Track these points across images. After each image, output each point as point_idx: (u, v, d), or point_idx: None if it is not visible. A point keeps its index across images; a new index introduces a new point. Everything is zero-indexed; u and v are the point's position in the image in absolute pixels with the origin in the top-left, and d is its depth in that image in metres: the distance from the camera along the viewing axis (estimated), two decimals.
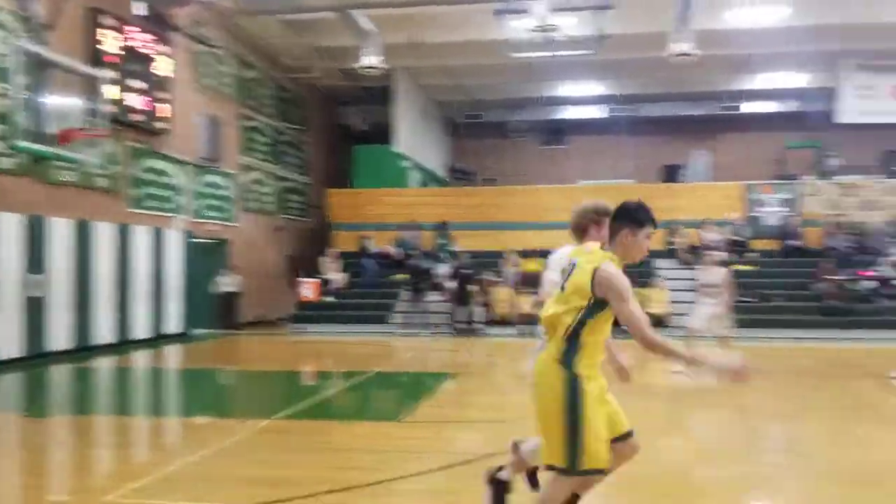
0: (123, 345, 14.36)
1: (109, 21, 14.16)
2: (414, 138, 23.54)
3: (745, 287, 17.90)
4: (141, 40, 15.09)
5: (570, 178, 24.44)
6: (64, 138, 12.26)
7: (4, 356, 11.70)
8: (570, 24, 17.27)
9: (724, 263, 12.58)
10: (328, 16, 18.03)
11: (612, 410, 3.65)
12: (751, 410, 8.55)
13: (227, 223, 19.02)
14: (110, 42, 14.16)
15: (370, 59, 17.96)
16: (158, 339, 15.48)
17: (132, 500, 4.98)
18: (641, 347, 3.37)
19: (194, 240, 17.19)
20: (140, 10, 15.00)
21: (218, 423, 8.06)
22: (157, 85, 15.60)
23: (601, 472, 3.51)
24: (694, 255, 18.48)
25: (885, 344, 15.19)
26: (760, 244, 19.97)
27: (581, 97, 25.02)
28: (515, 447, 4.46)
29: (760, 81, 22.98)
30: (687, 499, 5.24)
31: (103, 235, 14.08)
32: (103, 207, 14.27)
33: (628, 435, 3.72)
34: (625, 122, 25.31)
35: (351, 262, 20.40)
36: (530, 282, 18.82)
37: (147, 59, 15.30)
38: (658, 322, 15.10)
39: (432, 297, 18.66)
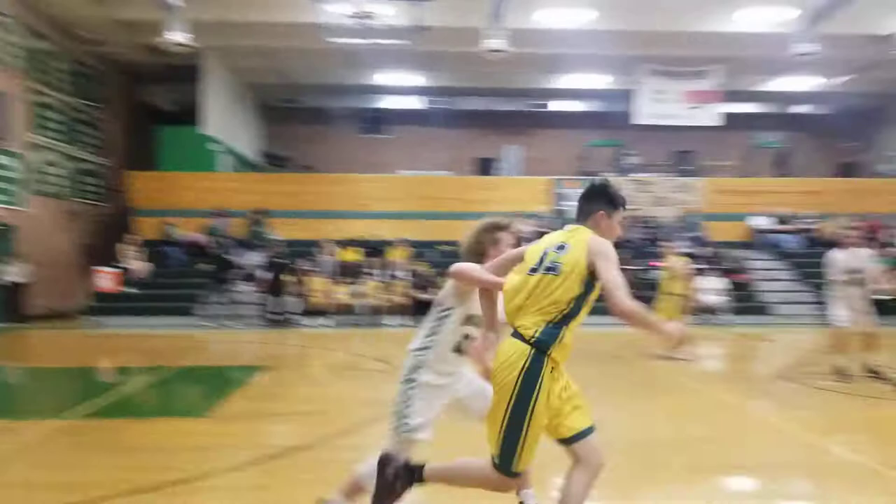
0: None
1: None
2: (225, 121, 22.55)
3: None
4: None
5: (389, 167, 24.50)
6: None
7: None
8: (387, 13, 17.23)
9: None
10: None
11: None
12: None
13: (14, 207, 17.23)
14: None
15: (176, 36, 16.93)
16: None
17: None
18: (616, 313, 3.28)
19: None
20: None
21: (1, 424, 7.22)
22: None
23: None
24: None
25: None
26: None
27: (400, 87, 25.11)
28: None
29: (567, 81, 24.17)
30: None
31: None
32: None
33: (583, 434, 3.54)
34: (442, 114, 25.74)
35: (154, 250, 19.21)
36: (348, 271, 18.68)
37: None
38: None
39: (244, 287, 17.98)
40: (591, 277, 3.38)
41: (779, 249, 20.44)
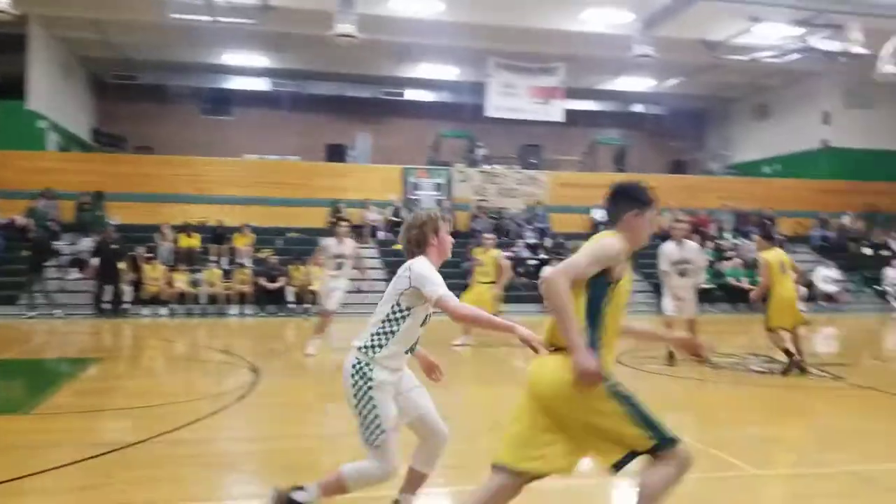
0: None
1: None
2: (53, 96, 20.87)
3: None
4: None
5: (234, 150, 23.57)
6: None
7: None
8: None
9: (359, 235, 12.44)
10: None
11: None
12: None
13: None
14: None
15: None
16: None
17: None
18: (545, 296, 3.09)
19: None
20: None
21: None
22: None
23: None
24: (357, 234, 18.98)
25: (518, 316, 17.00)
26: None
27: (248, 68, 24.26)
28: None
29: (421, 71, 24.26)
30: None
31: None
32: None
33: None
34: (291, 97, 25.11)
35: None
36: (187, 258, 17.84)
37: None
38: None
39: (72, 274, 16.75)
40: (598, 278, 3.16)
41: None
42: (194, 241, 18.51)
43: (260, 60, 23.60)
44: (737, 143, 27.86)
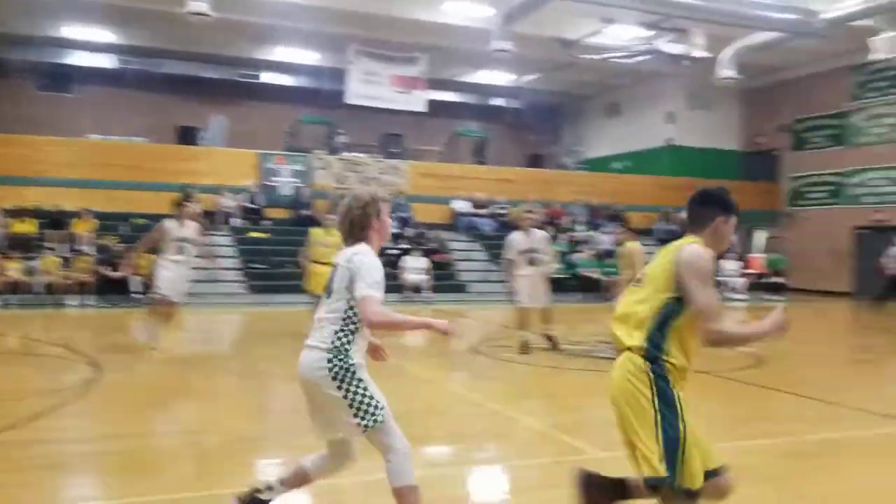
0: None
1: None
2: None
3: (258, 254, 18.32)
4: None
5: (76, 130, 21.97)
6: None
7: None
8: None
9: (211, 221, 11.61)
10: None
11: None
12: (265, 374, 8.64)
13: None
14: None
15: None
16: None
17: None
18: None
19: None
20: None
21: None
22: None
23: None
24: (210, 220, 18.23)
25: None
26: (274, 212, 20.60)
27: (88, 42, 22.65)
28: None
29: (280, 54, 23.57)
30: (203, 462, 4.94)
31: None
32: None
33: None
34: (139, 76, 23.69)
35: None
36: (21, 245, 16.51)
37: None
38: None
39: None
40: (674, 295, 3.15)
41: (476, 232, 21.82)
42: (29, 227, 17.15)
43: (104, 35, 22.10)
44: (590, 140, 29.00)
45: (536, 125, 29.37)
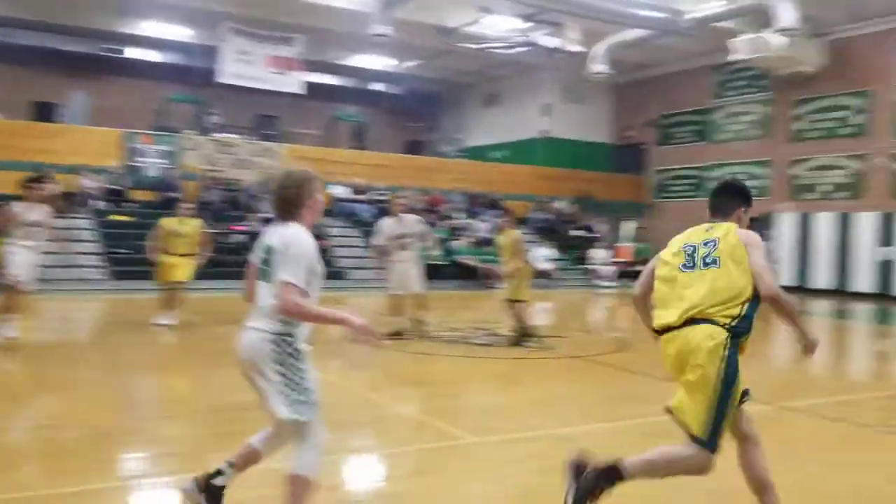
0: None
1: None
2: None
3: (121, 238, 17.38)
4: None
5: None
6: None
7: None
8: None
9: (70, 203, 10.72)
10: None
11: None
12: (127, 364, 8.21)
13: None
14: None
15: None
16: None
17: None
18: (766, 298, 3.43)
19: None
20: None
21: None
22: None
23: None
24: (69, 203, 17.13)
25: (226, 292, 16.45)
26: (139, 194, 19.62)
27: None
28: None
29: (146, 28, 22.41)
30: (56, 457, 4.59)
31: None
32: None
33: None
34: None
35: None
36: None
37: None
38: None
39: None
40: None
41: (354, 218, 21.58)
42: None
43: None
44: (469, 128, 29.30)
45: (416, 112, 29.38)
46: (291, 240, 3.32)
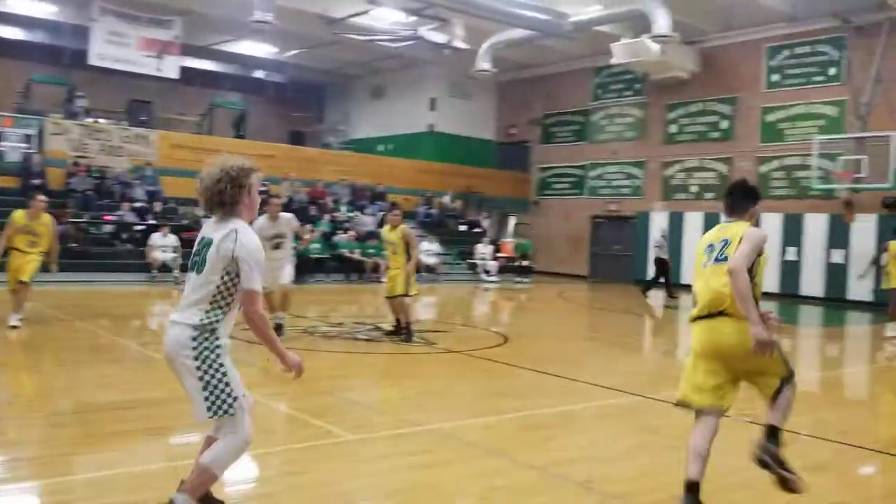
0: None
1: None
2: None
3: None
4: None
5: None
6: None
7: None
8: None
9: None
10: None
11: None
12: None
13: None
14: None
15: None
16: None
17: None
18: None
19: None
20: None
21: None
22: None
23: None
24: None
25: (120, 286, 15.65)
26: None
27: None
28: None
29: (11, 4, 20.87)
30: None
31: None
32: None
33: None
34: None
35: None
36: None
37: None
38: None
39: None
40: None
41: None
42: None
43: None
44: (354, 121, 28.97)
45: (300, 102, 28.81)
46: (251, 245, 3.26)
